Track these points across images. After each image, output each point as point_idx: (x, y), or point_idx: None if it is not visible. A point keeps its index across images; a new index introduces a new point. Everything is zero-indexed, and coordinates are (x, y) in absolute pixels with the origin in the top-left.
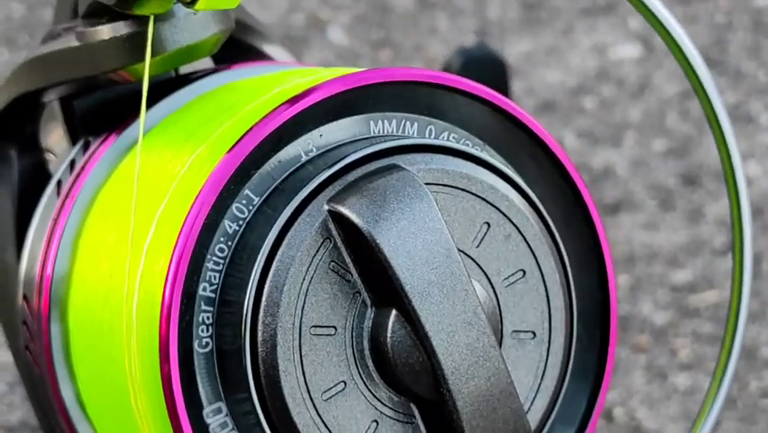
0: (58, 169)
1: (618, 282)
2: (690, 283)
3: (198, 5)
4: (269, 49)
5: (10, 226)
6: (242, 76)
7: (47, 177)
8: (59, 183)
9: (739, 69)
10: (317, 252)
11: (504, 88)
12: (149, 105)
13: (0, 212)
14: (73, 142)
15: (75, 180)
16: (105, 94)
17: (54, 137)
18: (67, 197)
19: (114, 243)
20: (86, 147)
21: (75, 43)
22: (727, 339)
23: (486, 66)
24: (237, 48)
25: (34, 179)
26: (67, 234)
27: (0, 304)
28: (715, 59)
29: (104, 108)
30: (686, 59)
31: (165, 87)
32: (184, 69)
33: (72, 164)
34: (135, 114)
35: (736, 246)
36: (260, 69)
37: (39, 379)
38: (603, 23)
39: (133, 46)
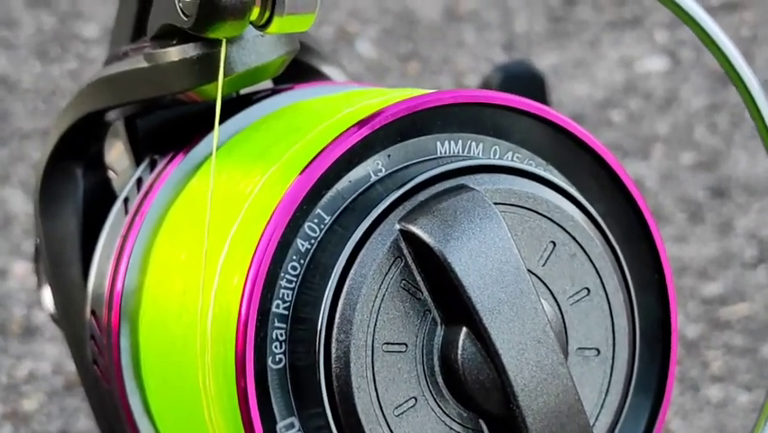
0: (122, 187)
1: None
2: (721, 296)
3: (271, 29)
4: (327, 69)
5: (76, 243)
6: (304, 96)
7: (111, 195)
8: (126, 201)
9: (767, 81)
10: (389, 270)
11: (545, 104)
12: (212, 126)
13: (66, 229)
14: (136, 160)
15: (144, 198)
16: (167, 113)
17: (114, 154)
18: (136, 214)
19: (187, 260)
20: (152, 165)
21: (144, 64)
22: None
23: (526, 82)
24: (297, 68)
25: (99, 197)
26: (136, 251)
27: (66, 320)
28: None
29: (166, 128)
30: (720, 50)
31: (228, 107)
32: (243, 91)
33: (139, 182)
34: (201, 133)
35: None
36: (321, 90)
37: (107, 393)
38: (629, 35)
39: (203, 68)
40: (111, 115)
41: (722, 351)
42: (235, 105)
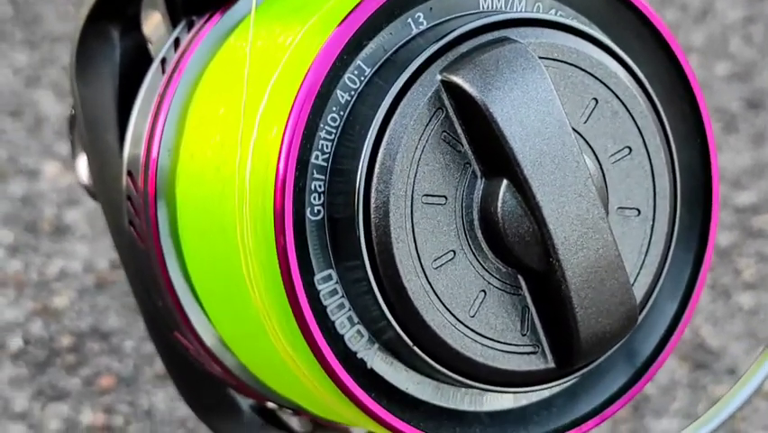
0: (160, 50)
1: None
2: (754, 205)
3: None
4: None
5: (112, 107)
6: None
7: (148, 59)
8: (163, 61)
9: None
10: (429, 122)
11: None
12: None
13: (103, 93)
14: (173, 22)
15: (181, 57)
16: None
17: (151, 25)
18: (173, 72)
19: (225, 114)
20: (190, 26)
21: None
22: None
23: None
24: None
25: (136, 60)
26: (173, 109)
27: (102, 185)
28: None
29: None
30: None
31: None
32: None
33: (177, 43)
34: None
35: None
36: None
37: (143, 253)
38: None
39: None
40: None
41: (754, 259)
42: None
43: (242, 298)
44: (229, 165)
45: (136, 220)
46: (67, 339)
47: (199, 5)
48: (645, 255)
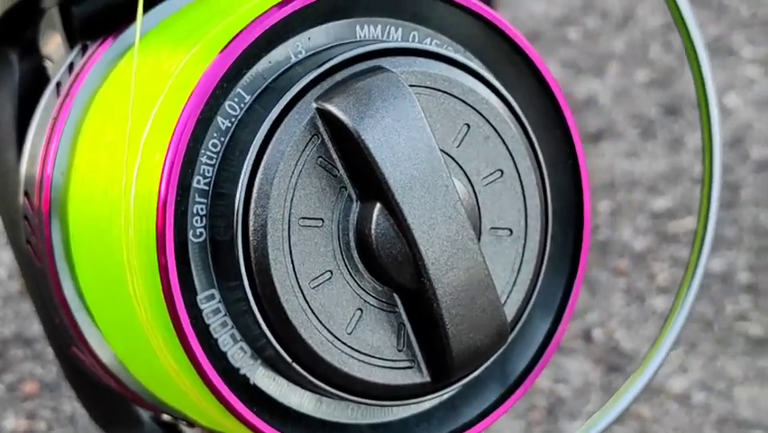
0: (57, 72)
1: (599, 208)
2: (670, 210)
3: None
4: None
5: (11, 127)
6: None
7: (46, 80)
8: (58, 85)
9: (722, 2)
10: (306, 147)
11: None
12: (146, 9)
13: (1, 114)
14: (71, 47)
15: (74, 81)
16: (101, 0)
17: (52, 45)
18: (66, 97)
19: (113, 139)
20: (84, 50)
21: None
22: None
23: None
24: None
25: (34, 83)
26: (66, 133)
27: (1, 202)
28: None
29: (100, 14)
30: None
31: None
32: None
33: (71, 67)
34: (131, 19)
35: (705, 171)
36: None
37: (39, 271)
38: None
39: None
40: (47, 2)
41: (668, 263)
42: None
43: (130, 315)
44: (116, 188)
45: (33, 239)
46: None
47: (93, 30)
48: (518, 273)
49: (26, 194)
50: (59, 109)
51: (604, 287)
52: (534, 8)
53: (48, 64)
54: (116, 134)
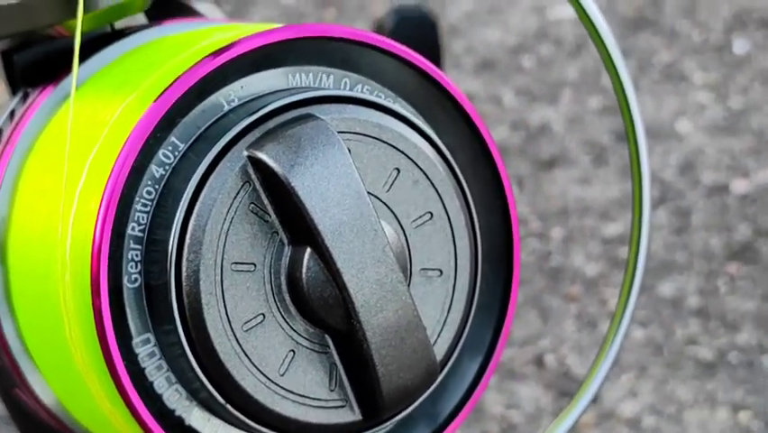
0: None
1: (552, 235)
2: (621, 236)
3: None
4: (200, 6)
5: None
6: (172, 31)
7: None
8: None
9: (674, 28)
10: (237, 194)
11: (435, 48)
12: (84, 58)
13: None
14: (14, 93)
15: (14, 129)
16: (44, 48)
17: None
18: (7, 144)
19: (51, 187)
20: (25, 98)
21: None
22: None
23: (418, 25)
24: (170, 5)
25: None
26: (6, 180)
27: None
28: (650, 18)
29: (43, 61)
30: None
31: (100, 41)
32: (120, 24)
33: (12, 114)
34: (71, 67)
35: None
36: (189, 26)
37: None
38: None
39: (67, 2)
40: None
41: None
42: (108, 38)
43: (68, 359)
44: (53, 234)
45: None
46: None
47: (34, 78)
48: (448, 313)
49: None
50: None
51: (556, 313)
52: (489, 36)
53: None
54: (54, 182)
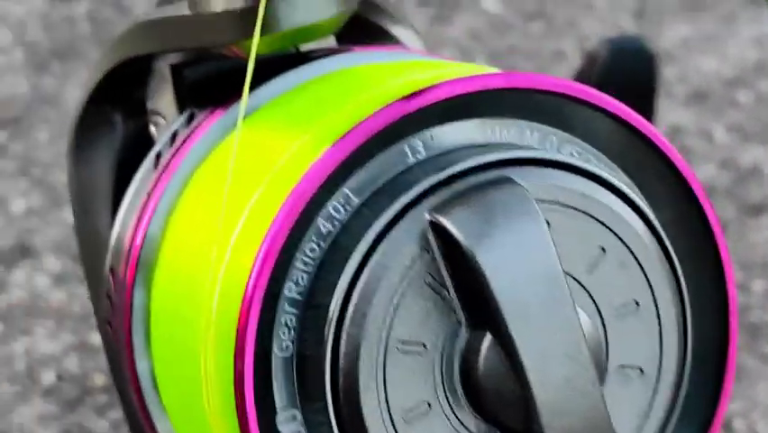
0: (159, 140)
1: (755, 288)
2: None
3: None
4: (397, 31)
5: (107, 193)
6: (361, 61)
7: (150, 145)
8: (158, 155)
9: None
10: (414, 263)
11: (651, 83)
12: (262, 82)
13: (99, 178)
14: (181, 110)
15: (174, 154)
16: (218, 65)
17: (166, 100)
18: (164, 171)
19: (205, 226)
20: (190, 119)
21: (187, 12)
22: None
23: (634, 58)
24: (364, 28)
25: (137, 147)
26: (160, 209)
27: (90, 273)
28: None
29: (215, 80)
30: None
31: (282, 63)
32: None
33: (174, 136)
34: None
35: None
36: (382, 56)
37: (117, 354)
38: None
39: (246, 22)
40: (158, 62)
41: None
42: (291, 61)
43: (203, 423)
44: (202, 281)
45: (113, 320)
46: (100, 378)
47: (202, 97)
48: (645, 420)
49: (111, 270)
50: (156, 183)
51: (751, 373)
52: (705, 66)
53: (159, 120)
54: (209, 221)
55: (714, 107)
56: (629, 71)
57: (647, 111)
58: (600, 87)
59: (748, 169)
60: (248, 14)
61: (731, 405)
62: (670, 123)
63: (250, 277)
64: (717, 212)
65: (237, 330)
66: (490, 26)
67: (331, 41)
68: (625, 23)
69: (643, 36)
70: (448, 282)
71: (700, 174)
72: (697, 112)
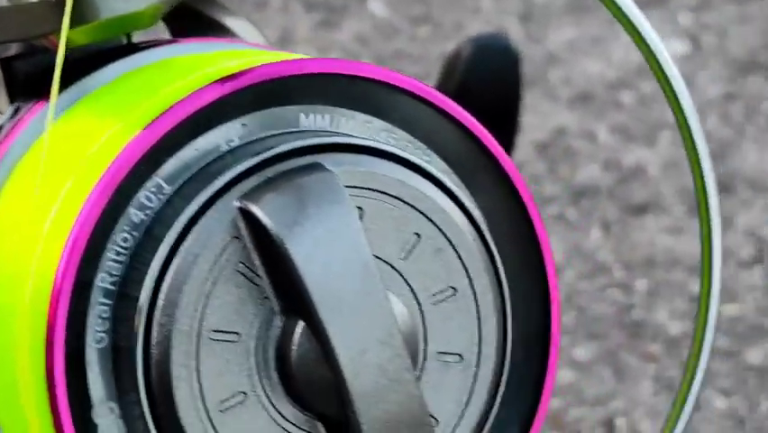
0: None
1: (636, 287)
2: None
3: None
4: (231, 23)
5: None
6: (186, 51)
7: None
8: None
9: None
10: (224, 251)
11: (515, 84)
12: (84, 74)
13: None
14: (11, 102)
15: None
16: (49, 58)
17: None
18: None
19: (22, 222)
20: (15, 113)
21: (4, 3)
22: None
23: (498, 57)
24: (198, 21)
25: None
26: None
27: None
28: (763, 62)
29: (42, 74)
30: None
31: (111, 53)
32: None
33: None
34: (70, 82)
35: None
36: (209, 46)
37: None
38: (652, 16)
39: (62, 12)
40: None
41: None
42: (117, 53)
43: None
44: (20, 277)
45: None
46: None
47: (37, 90)
48: (466, 407)
49: None
50: None
51: (632, 372)
52: (589, 68)
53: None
54: (25, 215)
55: (598, 109)
56: (493, 69)
57: (512, 109)
58: (464, 85)
59: (631, 169)
60: (63, 5)
61: (613, 404)
62: (554, 124)
63: (59, 267)
64: (600, 213)
65: (47, 321)
66: (377, 30)
67: (166, 35)
68: (511, 25)
69: (507, 35)
70: (260, 270)
71: (584, 174)
72: (581, 113)
